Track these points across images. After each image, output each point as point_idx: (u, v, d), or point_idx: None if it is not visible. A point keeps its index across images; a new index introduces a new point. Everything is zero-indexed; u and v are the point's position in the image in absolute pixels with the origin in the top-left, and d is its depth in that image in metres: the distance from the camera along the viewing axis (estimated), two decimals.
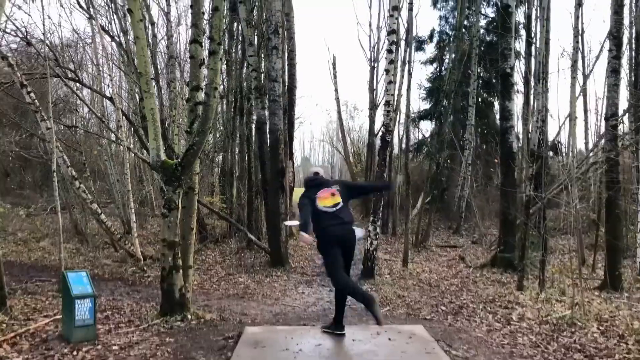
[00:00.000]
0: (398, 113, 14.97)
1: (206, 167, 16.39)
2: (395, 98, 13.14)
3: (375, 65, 18.55)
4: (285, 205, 9.88)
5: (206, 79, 5.01)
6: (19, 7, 12.33)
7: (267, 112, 10.02)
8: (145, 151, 11.49)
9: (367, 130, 20.72)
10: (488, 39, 17.64)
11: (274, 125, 9.44)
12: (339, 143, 32.36)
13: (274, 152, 9.50)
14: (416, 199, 15.65)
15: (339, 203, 4.52)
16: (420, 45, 18.80)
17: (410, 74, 13.10)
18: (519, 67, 12.64)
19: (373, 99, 18.41)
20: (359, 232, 4.57)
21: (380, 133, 8.62)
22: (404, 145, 14.82)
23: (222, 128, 15.87)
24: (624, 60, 9.46)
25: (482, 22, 16.98)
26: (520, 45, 14.30)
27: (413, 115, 17.58)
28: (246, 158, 12.60)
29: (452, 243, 13.20)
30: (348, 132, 27.08)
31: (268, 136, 9.82)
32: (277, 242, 9.47)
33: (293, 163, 12.79)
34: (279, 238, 9.45)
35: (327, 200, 4.54)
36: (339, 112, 20.76)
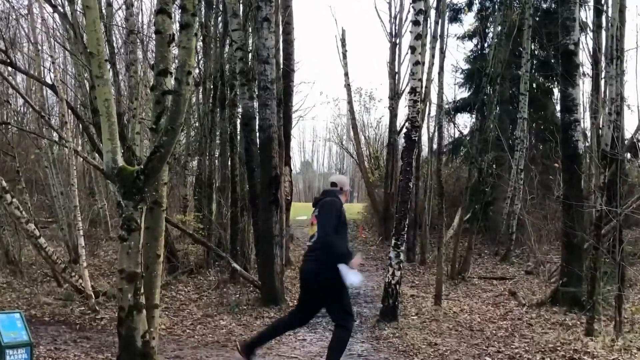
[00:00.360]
0: (427, 104, 15.02)
1: (177, 175, 16.43)
2: (424, 84, 13.19)
3: (398, 41, 18.68)
4: (280, 224, 9.90)
5: (177, 61, 5.04)
6: None
7: (256, 104, 10.04)
8: (97, 155, 11.53)
9: (387, 126, 20.83)
10: (545, 6, 17.74)
11: (266, 120, 9.48)
12: (350, 143, 32.42)
13: (266, 156, 9.53)
14: (452, 215, 15.62)
15: (314, 235, 5.30)
16: (455, 15, 18.91)
17: (443, 52, 13.21)
18: (586, 42, 12.66)
19: (395, 85, 18.51)
20: (352, 276, 5.01)
21: (405, 130, 8.64)
22: (435, 146, 14.87)
23: (197, 124, 15.92)
24: None
25: None
26: (587, 15, 14.35)
27: (447, 106, 17.62)
28: (229, 163, 12.63)
29: (499, 274, 13.14)
30: (362, 128, 27.12)
31: (258, 135, 9.86)
32: (269, 273, 9.47)
33: (290, 169, 12.81)
34: (272, 268, 9.45)
35: (312, 227, 5.41)
36: (350, 102, 20.87)
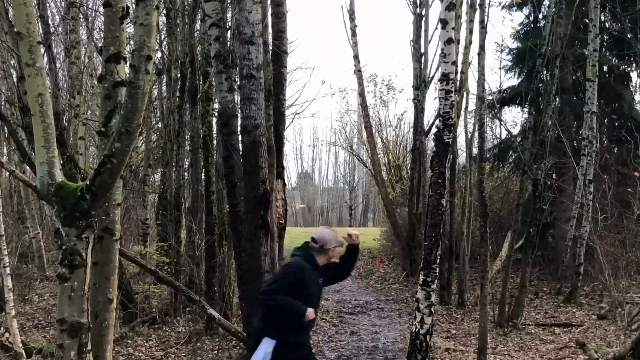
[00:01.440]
0: (464, 94, 15.04)
1: (134, 193, 16.48)
2: (459, 69, 13.18)
3: (424, 12, 18.75)
4: (271, 257, 9.87)
5: (132, 42, 5.06)
6: None
7: (237, 97, 10.03)
8: (28, 167, 11.54)
9: (411, 124, 20.85)
10: None
11: (250, 119, 9.46)
12: (363, 148, 32.55)
13: (251, 166, 9.51)
14: (499, 242, 15.61)
15: None
16: None
17: (484, 26, 13.16)
18: None
19: (420, 71, 18.57)
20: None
21: (435, 130, 8.65)
22: (475, 150, 14.87)
23: (160, 125, 15.97)
24: None
25: None
26: None
27: (490, 98, 17.65)
28: (202, 177, 12.65)
29: (563, 319, 13.09)
30: (378, 128, 27.37)
31: (240, 138, 9.83)
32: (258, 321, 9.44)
33: (284, 184, 12.78)
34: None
35: None
36: (361, 94, 20.91)
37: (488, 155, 18.75)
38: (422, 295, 8.22)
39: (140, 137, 18.78)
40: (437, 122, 8.82)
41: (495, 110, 19.34)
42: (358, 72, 20.44)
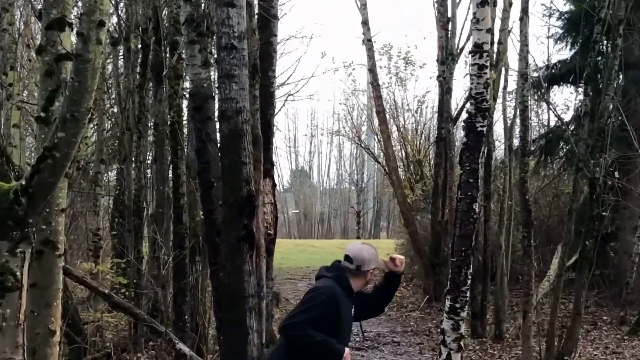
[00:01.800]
0: (502, 71, 15.01)
1: (83, 197, 16.49)
2: (496, 37, 13.16)
3: None
4: (257, 277, 9.86)
5: (81, 4, 5.07)
6: None
7: (214, 74, 10.02)
8: None
9: (435, 108, 20.79)
10: None
11: (230, 101, 9.43)
12: (374, 138, 32.41)
13: (232, 162, 9.49)
14: (546, 257, 15.55)
15: None
16: None
17: None
18: None
19: (447, 40, 18.54)
20: None
21: (465, 115, 8.62)
22: (516, 141, 14.83)
23: (116, 110, 15.94)
24: None
25: None
26: None
27: (535, 75, 17.64)
28: (170, 175, 12.62)
29: (627, 355, 13.11)
30: (393, 113, 27.30)
31: (219, 127, 9.83)
32: (241, 358, 9.42)
33: (274, 184, 12.79)
34: (244, 350, 9.41)
35: None
36: (372, 70, 20.91)
37: (533, 148, 18.70)
38: (448, 325, 8.15)
39: (91, 125, 18.77)
40: (467, 105, 8.76)
41: (542, 91, 19.34)
42: (368, 41, 20.45)
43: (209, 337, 11.57)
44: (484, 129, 8.45)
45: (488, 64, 8.37)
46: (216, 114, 9.89)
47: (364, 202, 61.53)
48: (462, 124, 8.57)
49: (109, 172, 19.00)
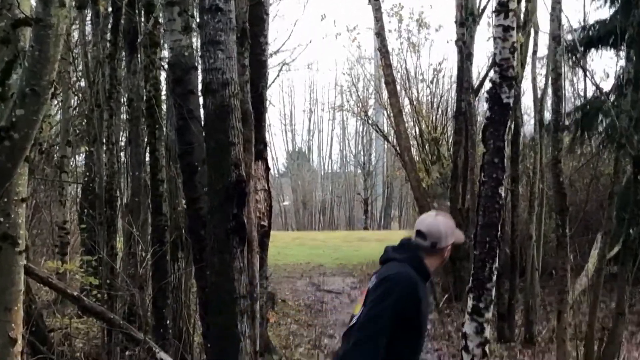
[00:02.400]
0: (531, 33, 14.98)
1: (47, 185, 16.50)
2: None
3: None
4: (249, 275, 9.87)
5: None
6: None
7: (196, 41, 10.00)
8: None
9: (454, 78, 20.74)
10: None
11: (216, 72, 9.42)
12: (382, 113, 32.28)
13: (218, 142, 9.49)
14: (584, 249, 15.53)
15: (354, 316, 5.52)
16: None
17: None
18: None
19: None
20: None
21: (489, 85, 8.61)
22: (548, 115, 14.80)
23: (83, 84, 15.93)
24: None
25: None
26: None
27: (570, 38, 17.59)
28: (146, 158, 12.59)
29: None
30: (405, 84, 27.17)
31: (202, 101, 9.83)
32: None
33: (267, 167, 12.79)
34: (234, 358, 9.42)
35: (357, 304, 5.68)
36: (379, 34, 20.86)
37: (567, 123, 18.70)
38: (471, 328, 8.14)
39: (55, 102, 18.75)
40: (491, 74, 8.74)
41: (578, 56, 19.31)
42: (375, 1, 20.39)
43: (194, 344, 11.56)
44: (511, 100, 8.41)
45: (515, 25, 8.35)
46: (199, 87, 9.89)
47: (372, 188, 61.38)
48: (486, 95, 8.53)
49: (77, 157, 18.95)
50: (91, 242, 14.10)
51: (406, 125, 22.81)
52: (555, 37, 12.25)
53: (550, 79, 13.37)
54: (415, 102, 27.11)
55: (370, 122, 33.71)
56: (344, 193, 66.71)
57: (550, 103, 13.05)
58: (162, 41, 12.01)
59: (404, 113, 22.64)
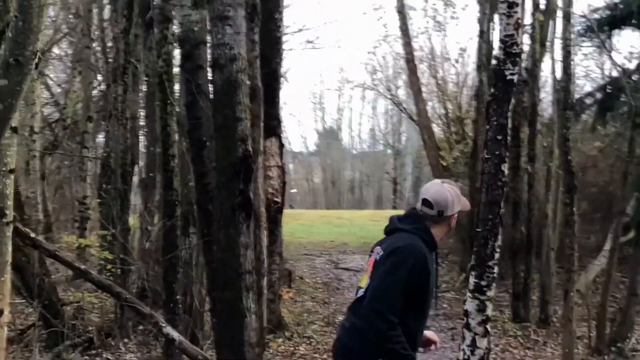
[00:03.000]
0: (554, 12, 14.83)
1: (69, 161, 16.53)
2: None
3: None
4: (257, 250, 9.86)
5: None
6: None
7: (207, 14, 9.95)
8: None
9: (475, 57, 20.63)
10: None
11: (224, 47, 9.40)
12: (408, 93, 32.02)
13: (225, 117, 9.48)
14: (598, 230, 15.42)
15: (361, 288, 5.62)
16: None
17: None
18: None
19: None
20: None
21: (494, 62, 8.55)
22: (560, 93, 14.65)
23: (108, 58, 15.97)
24: None
25: None
26: None
27: (596, 16, 17.44)
28: (159, 133, 12.58)
29: None
30: (430, 63, 26.96)
31: (211, 76, 9.80)
32: (236, 345, 9.44)
33: (281, 144, 12.76)
34: (240, 336, 9.41)
35: (364, 275, 5.70)
36: (401, 12, 20.82)
37: (589, 102, 18.54)
38: (472, 306, 8.09)
39: (77, 79, 18.77)
40: (496, 50, 8.68)
41: (603, 37, 19.08)
42: None
43: (204, 320, 11.56)
44: (515, 77, 8.34)
45: (520, 1, 8.29)
46: (207, 62, 9.86)
47: (402, 168, 60.96)
48: (492, 72, 8.48)
49: (98, 135, 18.99)
50: (106, 217, 14.09)
51: (431, 104, 22.77)
52: (566, 15, 12.17)
53: (563, 58, 13.27)
54: (440, 82, 26.91)
55: (395, 101, 33.51)
56: (373, 172, 66.43)
57: (562, 82, 12.97)
58: (173, 16, 11.98)
59: (430, 92, 22.54)
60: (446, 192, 5.68)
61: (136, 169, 14.67)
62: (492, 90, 8.40)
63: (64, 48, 20.78)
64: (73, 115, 18.99)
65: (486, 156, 8.42)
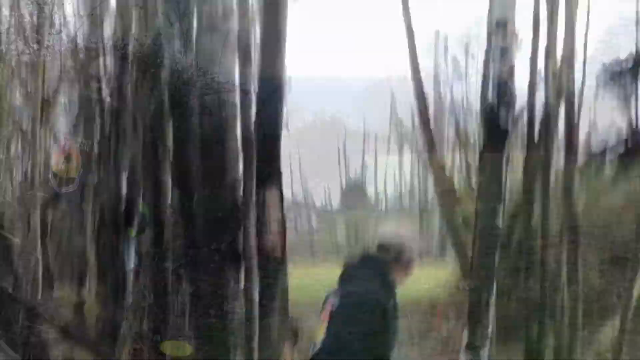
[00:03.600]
0: None
1: None
2: None
3: None
4: (247, 301, 9.98)
5: None
6: None
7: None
8: None
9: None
10: None
11: (214, 93, 9.53)
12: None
13: (215, 163, 9.52)
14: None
15: (314, 344, 4.93)
16: None
17: None
18: None
19: None
20: None
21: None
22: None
23: None
24: None
25: None
26: None
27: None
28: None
29: None
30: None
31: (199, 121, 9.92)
32: None
33: (281, 195, 12.57)
34: None
35: (321, 326, 5.02)
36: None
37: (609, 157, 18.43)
38: None
39: None
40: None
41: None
42: None
43: None
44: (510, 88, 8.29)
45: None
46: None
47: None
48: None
49: None
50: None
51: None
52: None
53: None
54: None
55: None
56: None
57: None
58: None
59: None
60: (402, 235, 5.46)
61: None
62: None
63: None
64: None
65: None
